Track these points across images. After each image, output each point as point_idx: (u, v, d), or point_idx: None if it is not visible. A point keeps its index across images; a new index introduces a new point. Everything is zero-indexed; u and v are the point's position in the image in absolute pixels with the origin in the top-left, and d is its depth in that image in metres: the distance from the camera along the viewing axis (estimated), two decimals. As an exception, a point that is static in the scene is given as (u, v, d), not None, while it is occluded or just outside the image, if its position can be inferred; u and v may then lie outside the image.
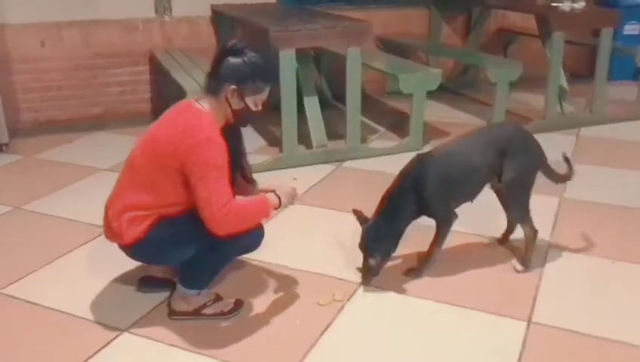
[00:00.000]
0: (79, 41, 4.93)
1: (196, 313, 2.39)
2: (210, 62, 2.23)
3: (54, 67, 4.92)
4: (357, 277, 2.65)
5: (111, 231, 2.26)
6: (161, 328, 2.34)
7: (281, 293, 2.58)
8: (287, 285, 2.64)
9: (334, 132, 4.45)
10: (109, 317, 2.41)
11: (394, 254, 2.60)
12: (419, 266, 2.68)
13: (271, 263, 2.80)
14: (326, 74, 5.60)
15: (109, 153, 4.18)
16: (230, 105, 2.21)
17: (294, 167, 4.03)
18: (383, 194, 2.57)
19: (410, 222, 2.56)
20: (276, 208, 2.28)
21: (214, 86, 2.21)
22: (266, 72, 2.25)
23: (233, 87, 2.17)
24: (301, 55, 4.03)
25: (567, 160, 2.75)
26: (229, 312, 2.41)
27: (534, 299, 2.52)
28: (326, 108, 4.83)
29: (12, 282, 2.66)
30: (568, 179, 2.79)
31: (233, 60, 2.18)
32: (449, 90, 5.63)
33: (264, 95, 2.26)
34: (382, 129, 4.90)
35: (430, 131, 4.50)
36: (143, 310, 2.45)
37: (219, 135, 2.15)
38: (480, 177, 2.61)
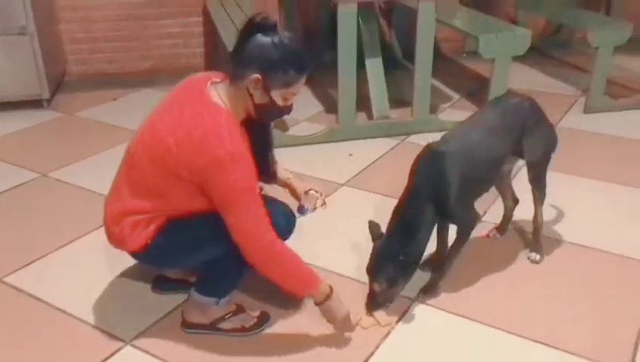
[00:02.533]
0: (128, -13, 4.56)
1: (212, 326, 2.00)
2: (236, 37, 1.74)
3: (103, 16, 4.59)
4: (412, 291, 2.18)
5: (113, 237, 1.88)
6: (170, 342, 1.97)
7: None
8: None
9: (400, 98, 3.91)
10: (114, 323, 2.06)
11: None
12: (436, 280, 2.20)
13: (309, 264, 2.36)
14: (398, 29, 5.00)
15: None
16: (252, 98, 1.74)
17: (351, 140, 3.53)
18: (394, 208, 2.08)
19: (430, 236, 2.08)
20: (314, 300, 1.88)
21: (236, 71, 1.73)
22: (301, 60, 1.73)
23: (257, 75, 1.69)
24: (365, 10, 3.47)
25: None
26: (251, 329, 2.01)
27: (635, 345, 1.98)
28: (395, 69, 4.29)
29: (14, 270, 2.35)
30: None
31: (261, 40, 1.68)
32: (537, 51, 4.90)
33: (296, 89, 1.76)
34: (457, 96, 4.31)
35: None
36: (152, 317, 2.08)
37: (241, 145, 1.69)
38: (500, 166, 2.28)
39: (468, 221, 2.19)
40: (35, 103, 4.05)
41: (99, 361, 1.89)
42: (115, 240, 1.87)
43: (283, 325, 2.05)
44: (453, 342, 1.98)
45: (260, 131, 1.87)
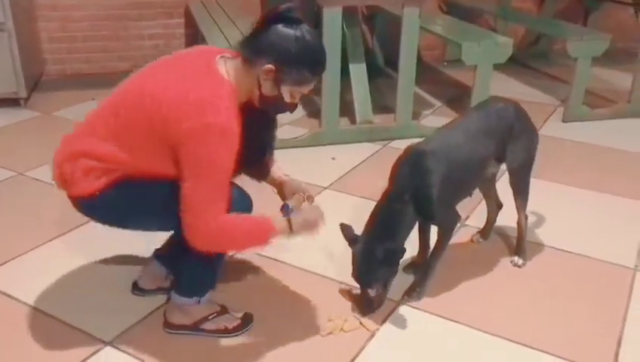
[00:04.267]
0: (110, -13, 4.51)
1: (195, 327, 1.96)
2: (256, 21, 1.70)
3: (82, 16, 4.53)
4: (397, 294, 2.17)
5: (61, 175, 1.76)
6: (152, 343, 1.93)
7: (302, 308, 2.12)
8: (310, 297, 2.17)
9: (383, 104, 3.92)
10: (93, 323, 2.00)
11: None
12: (420, 282, 2.19)
13: (292, 266, 2.35)
14: (380, 36, 5.02)
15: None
16: (260, 88, 1.71)
17: (334, 144, 3.53)
18: (373, 209, 2.06)
19: (408, 235, 2.07)
20: (282, 236, 1.79)
21: (250, 55, 1.68)
22: (318, 61, 1.72)
23: (270, 66, 1.65)
24: (349, 15, 3.48)
25: None
26: (235, 329, 1.97)
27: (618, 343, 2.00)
28: (377, 75, 4.30)
29: (-10, 269, 2.29)
30: None
31: (283, 31, 1.65)
32: (516, 61, 4.96)
33: (306, 89, 1.74)
34: (438, 103, 4.33)
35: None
36: (132, 318, 2.03)
37: (235, 123, 1.63)
38: (483, 169, 2.26)
39: (449, 221, 2.18)
40: (11, 102, 3.97)
41: (77, 361, 1.85)
42: (63, 179, 1.76)
43: (267, 326, 2.02)
44: (438, 345, 1.98)
45: (264, 121, 1.82)
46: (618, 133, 3.83)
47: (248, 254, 2.36)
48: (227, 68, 1.71)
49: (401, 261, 2.08)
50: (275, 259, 2.36)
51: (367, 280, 2.02)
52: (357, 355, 1.91)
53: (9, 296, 2.14)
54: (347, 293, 2.17)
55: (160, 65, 1.77)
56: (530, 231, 2.58)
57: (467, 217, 2.69)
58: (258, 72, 1.68)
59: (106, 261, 2.35)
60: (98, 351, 1.89)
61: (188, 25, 4.71)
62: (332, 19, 3.26)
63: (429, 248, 2.27)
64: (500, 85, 4.28)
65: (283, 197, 2.02)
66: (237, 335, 1.97)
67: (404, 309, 2.13)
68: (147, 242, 2.16)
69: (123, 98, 1.75)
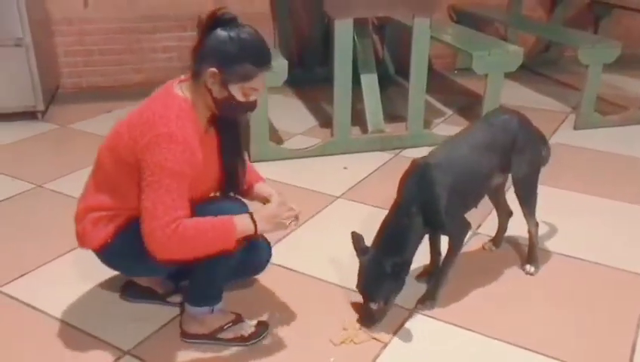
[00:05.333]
0: (124, 1, 4.58)
1: (212, 336, 2.00)
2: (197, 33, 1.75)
3: (97, 29, 4.61)
4: (410, 303, 2.20)
5: (77, 235, 1.93)
6: (170, 352, 1.96)
7: (315, 316, 2.15)
8: (323, 306, 2.20)
9: (394, 113, 3.96)
10: (112, 333, 2.05)
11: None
12: (433, 291, 2.21)
13: (305, 274, 2.38)
14: (390, 46, 5.07)
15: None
16: (211, 93, 1.75)
17: (346, 153, 3.56)
18: (381, 223, 2.08)
19: (417, 249, 2.09)
20: (247, 236, 1.78)
21: (195, 66, 1.74)
22: (259, 54, 1.75)
23: (213, 69, 1.70)
24: (360, 26, 3.52)
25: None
26: (251, 338, 2.00)
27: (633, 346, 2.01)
28: (387, 85, 4.33)
29: (11, 280, 2.33)
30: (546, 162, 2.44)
31: (219, 34, 1.70)
32: (527, 69, 4.98)
33: (257, 83, 1.77)
34: (449, 112, 4.36)
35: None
36: (150, 327, 2.07)
37: (188, 132, 1.71)
38: (488, 181, 2.28)
39: (459, 230, 2.20)
40: (29, 115, 4.05)
41: (98, 371, 1.89)
42: (78, 237, 1.91)
43: (280, 334, 2.05)
44: (451, 353, 2.00)
45: (228, 135, 1.88)
46: (630, 139, 3.83)
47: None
48: (183, 89, 1.79)
49: (413, 270, 2.11)
50: (285, 267, 2.39)
51: (371, 293, 2.04)
52: (371, 364, 1.93)
53: (30, 306, 2.19)
54: (359, 304, 2.20)
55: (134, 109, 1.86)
56: (544, 239, 2.60)
57: (479, 225, 2.71)
58: (205, 79, 1.73)
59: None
60: (118, 359, 1.93)
61: (201, 37, 4.77)
62: (344, 30, 3.30)
63: (440, 256, 2.29)
64: (511, 93, 4.32)
65: None
66: (253, 343, 2.00)
67: (417, 318, 2.15)
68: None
69: (103, 147, 1.86)
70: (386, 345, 2.01)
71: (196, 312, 1.98)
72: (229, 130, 1.90)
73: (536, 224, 2.43)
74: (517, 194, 2.35)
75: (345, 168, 3.39)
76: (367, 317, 2.09)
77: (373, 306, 2.05)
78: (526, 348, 2.00)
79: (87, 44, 4.64)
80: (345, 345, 2.00)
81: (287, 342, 2.02)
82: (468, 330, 2.08)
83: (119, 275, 2.25)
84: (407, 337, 2.06)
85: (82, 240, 1.91)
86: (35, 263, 2.44)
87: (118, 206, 1.84)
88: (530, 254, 2.45)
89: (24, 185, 3.15)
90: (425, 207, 2.04)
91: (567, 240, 2.65)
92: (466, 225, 2.21)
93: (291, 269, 2.40)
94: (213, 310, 1.99)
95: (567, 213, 2.88)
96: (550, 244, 2.61)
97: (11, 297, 2.24)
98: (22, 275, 2.37)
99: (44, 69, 4.08)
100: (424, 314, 2.16)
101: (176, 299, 2.18)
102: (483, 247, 2.57)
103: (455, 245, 2.20)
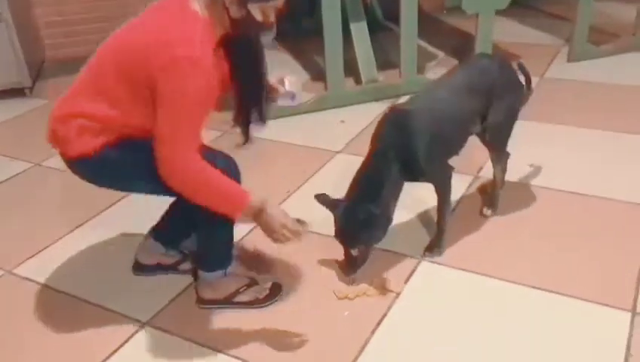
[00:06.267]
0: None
1: (227, 301, 2.03)
2: None
3: (76, -3, 4.50)
4: (416, 251, 2.23)
5: (54, 136, 1.80)
6: (188, 319, 2.01)
7: (327, 274, 2.18)
8: (332, 262, 2.22)
9: (386, 60, 3.90)
10: (128, 305, 2.08)
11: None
12: (438, 239, 2.24)
13: (311, 232, 2.38)
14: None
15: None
16: (228, 12, 1.67)
17: (341, 106, 3.54)
18: (354, 176, 2.07)
19: (398, 196, 2.09)
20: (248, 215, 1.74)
21: None
22: None
23: None
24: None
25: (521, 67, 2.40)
26: (265, 299, 2.04)
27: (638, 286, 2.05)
28: (377, 31, 4.25)
29: (23, 261, 2.35)
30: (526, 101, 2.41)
31: None
32: (517, 3, 4.88)
33: (277, 2, 1.69)
34: (441, 54, 4.31)
35: (498, 56, 3.87)
36: (166, 297, 2.10)
37: (210, 60, 1.63)
38: (468, 127, 2.25)
39: (441, 176, 2.17)
40: (17, 92, 3.99)
41: (119, 343, 1.92)
42: (56, 139, 1.80)
43: (295, 294, 2.09)
44: (463, 297, 2.04)
45: (248, 57, 1.78)
46: (624, 68, 3.81)
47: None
48: (199, 4, 1.69)
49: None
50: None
51: (348, 238, 2.06)
52: (385, 314, 1.97)
53: (45, 285, 2.22)
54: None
55: (139, 17, 1.76)
56: (542, 176, 2.62)
57: (480, 168, 2.72)
58: None
59: (132, 243, 2.40)
60: (137, 331, 1.97)
61: None
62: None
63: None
64: (502, 30, 4.25)
65: (275, 91, 1.98)
66: (268, 305, 2.04)
67: (426, 266, 2.18)
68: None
69: (105, 54, 1.76)
70: (398, 294, 2.06)
71: (210, 278, 2.01)
72: (244, 53, 1.78)
73: (504, 170, 2.43)
74: (489, 141, 2.33)
75: (342, 122, 3.37)
76: (349, 264, 2.11)
77: (354, 252, 2.07)
78: (536, 287, 2.04)
79: (67, 13, 4.52)
80: (359, 299, 2.04)
81: (301, 301, 2.06)
82: (478, 274, 2.12)
83: (130, 247, 2.27)
84: (418, 285, 2.10)
85: (61, 144, 1.80)
86: (44, 243, 2.46)
87: (113, 120, 1.73)
88: (492, 198, 2.45)
89: (23, 165, 3.13)
90: (402, 154, 2.01)
91: (566, 175, 2.67)
92: (448, 170, 2.18)
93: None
94: (226, 273, 2.02)
95: (563, 147, 2.89)
96: (548, 181, 2.63)
97: (26, 279, 2.26)
98: (33, 255, 2.39)
99: (27, 43, 4.00)
100: (432, 262, 2.20)
101: (187, 266, 2.20)
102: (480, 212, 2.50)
103: (443, 192, 2.19)
